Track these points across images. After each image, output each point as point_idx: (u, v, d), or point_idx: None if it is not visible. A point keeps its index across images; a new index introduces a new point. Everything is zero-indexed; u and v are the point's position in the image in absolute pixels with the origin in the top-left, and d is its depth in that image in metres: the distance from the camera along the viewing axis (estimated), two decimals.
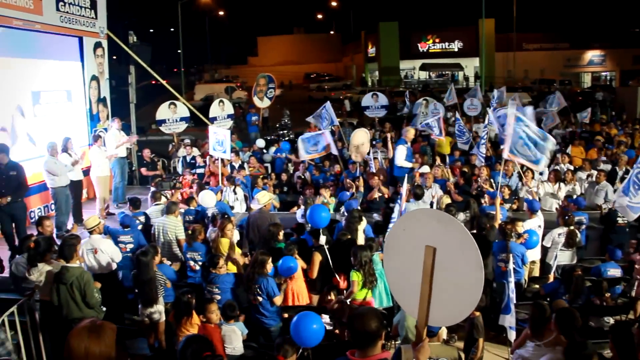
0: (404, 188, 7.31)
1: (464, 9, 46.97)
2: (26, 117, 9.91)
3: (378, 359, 2.90)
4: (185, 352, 3.66)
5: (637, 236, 7.78)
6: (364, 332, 2.88)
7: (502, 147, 8.70)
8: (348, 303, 6.08)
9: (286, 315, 6.02)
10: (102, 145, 10.75)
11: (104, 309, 5.87)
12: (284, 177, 12.17)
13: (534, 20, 49.47)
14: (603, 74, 49.56)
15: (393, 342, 5.71)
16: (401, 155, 8.97)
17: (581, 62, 49.42)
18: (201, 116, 15.12)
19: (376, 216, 8.97)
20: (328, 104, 12.25)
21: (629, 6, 42.87)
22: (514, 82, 39.99)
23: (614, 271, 6.97)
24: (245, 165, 12.16)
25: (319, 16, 65.64)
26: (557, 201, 9.37)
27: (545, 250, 7.77)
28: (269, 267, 5.99)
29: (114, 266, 6.88)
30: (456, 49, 51.22)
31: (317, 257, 6.62)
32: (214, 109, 14.88)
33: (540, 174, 10.43)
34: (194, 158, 12.57)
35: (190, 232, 7.46)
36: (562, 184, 9.73)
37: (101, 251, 6.70)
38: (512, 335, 5.87)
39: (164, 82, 16.19)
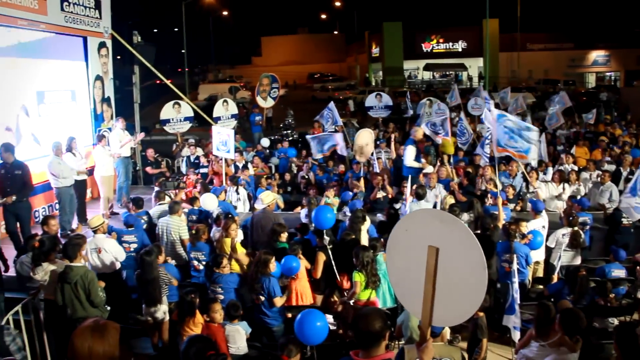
0: (408, 188, 7.31)
1: (468, 9, 47.12)
2: (31, 116, 9.94)
3: (382, 359, 2.90)
4: (188, 352, 3.67)
5: None
6: (368, 333, 2.88)
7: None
8: (351, 304, 6.08)
9: (289, 315, 6.02)
10: (106, 145, 10.77)
11: (108, 308, 5.89)
12: (287, 177, 12.17)
13: (538, 21, 49.38)
14: (607, 74, 49.34)
15: (397, 343, 5.70)
16: (411, 155, 8.97)
17: (585, 63, 49.24)
18: (205, 116, 15.13)
19: (380, 216, 8.98)
20: (332, 104, 12.26)
21: (633, 6, 42.71)
22: (518, 82, 39.77)
23: (618, 272, 6.95)
24: (249, 165, 12.17)
25: (323, 16, 65.75)
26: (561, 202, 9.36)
27: (549, 251, 7.76)
28: (272, 266, 5.98)
29: (118, 265, 6.90)
30: (460, 49, 51.03)
31: (321, 257, 6.61)
32: (218, 109, 14.89)
33: (544, 173, 10.42)
34: (197, 158, 12.57)
35: (194, 231, 7.46)
36: (566, 185, 9.70)
37: (105, 250, 6.71)
38: (516, 336, 5.85)
39: (168, 82, 16.24)
